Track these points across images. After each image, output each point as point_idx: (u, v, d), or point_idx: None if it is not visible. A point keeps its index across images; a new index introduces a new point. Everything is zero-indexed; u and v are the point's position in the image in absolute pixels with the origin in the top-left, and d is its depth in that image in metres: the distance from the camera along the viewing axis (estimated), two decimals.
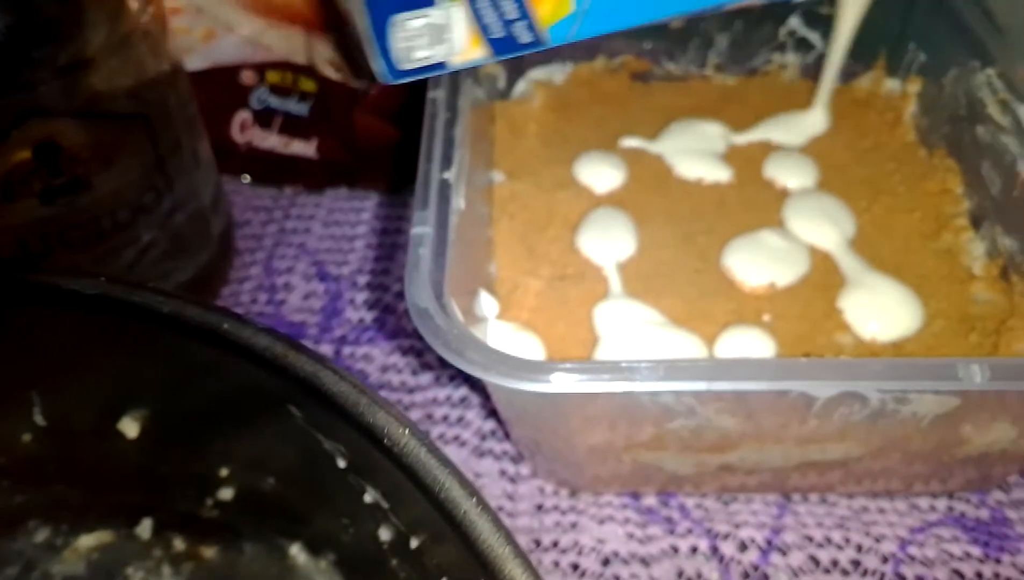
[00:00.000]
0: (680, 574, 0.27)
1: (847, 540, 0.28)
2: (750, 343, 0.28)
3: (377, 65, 0.26)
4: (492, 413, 0.32)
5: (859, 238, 0.31)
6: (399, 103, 0.37)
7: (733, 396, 0.24)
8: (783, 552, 0.28)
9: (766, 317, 0.29)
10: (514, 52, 0.26)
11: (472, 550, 0.18)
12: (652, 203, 0.33)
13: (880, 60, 0.37)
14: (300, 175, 0.40)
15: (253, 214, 0.39)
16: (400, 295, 0.36)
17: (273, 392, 0.20)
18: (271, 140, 0.39)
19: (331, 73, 0.37)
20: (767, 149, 0.35)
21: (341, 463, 0.21)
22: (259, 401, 0.22)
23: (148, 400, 0.24)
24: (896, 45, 0.37)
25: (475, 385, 0.33)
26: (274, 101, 0.38)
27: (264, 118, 0.39)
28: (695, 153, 0.34)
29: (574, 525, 0.29)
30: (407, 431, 0.18)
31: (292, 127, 0.39)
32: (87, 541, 0.27)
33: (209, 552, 0.27)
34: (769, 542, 0.28)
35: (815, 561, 0.28)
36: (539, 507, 0.29)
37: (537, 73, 0.38)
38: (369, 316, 0.35)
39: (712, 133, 0.35)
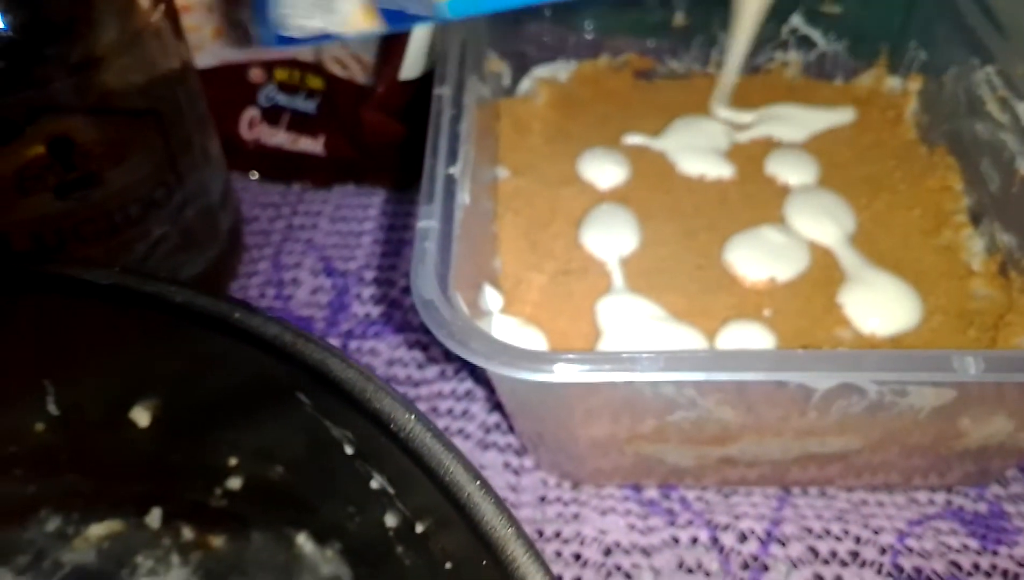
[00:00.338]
0: (681, 564, 0.28)
1: (846, 532, 0.29)
2: (751, 337, 0.28)
3: (258, 28, 0.26)
4: (496, 407, 0.32)
5: (859, 234, 0.32)
6: (406, 100, 0.37)
7: (733, 388, 0.24)
8: (782, 543, 0.28)
9: (766, 312, 0.29)
10: (408, 23, 0.26)
11: (476, 532, 0.18)
12: (655, 199, 0.33)
13: (881, 58, 0.38)
14: (307, 172, 0.40)
15: (261, 210, 0.39)
16: (406, 290, 0.36)
17: (282, 380, 0.21)
18: (279, 137, 0.39)
19: (338, 71, 0.38)
20: (769, 146, 0.35)
21: (348, 450, 0.21)
22: (268, 389, 0.22)
23: (159, 389, 0.24)
24: (897, 43, 0.37)
25: (480, 379, 0.33)
26: (282, 98, 0.39)
27: (272, 115, 0.39)
28: (698, 150, 0.35)
29: (576, 516, 0.29)
30: (413, 417, 0.19)
31: (300, 124, 0.39)
32: (97, 530, 0.28)
33: (217, 541, 0.28)
34: (769, 533, 0.29)
35: (814, 552, 0.28)
36: (542, 499, 0.30)
37: (542, 71, 0.38)
38: (375, 311, 0.36)
39: (714, 130, 0.35)
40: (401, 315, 0.35)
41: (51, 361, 0.24)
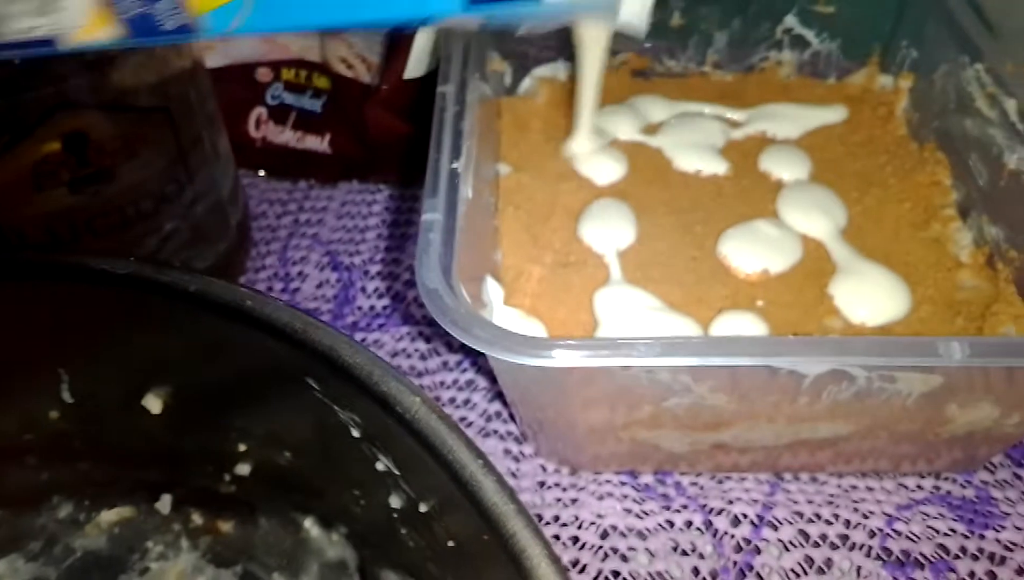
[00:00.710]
0: (676, 547, 0.29)
1: (836, 516, 0.29)
2: (744, 327, 0.29)
3: None
4: (496, 397, 0.33)
5: (850, 228, 0.32)
6: (410, 99, 0.38)
7: (726, 374, 0.25)
8: (774, 527, 0.29)
9: (760, 302, 0.30)
10: (159, 38, 0.21)
11: (478, 509, 0.19)
12: (651, 194, 0.34)
13: (873, 57, 0.38)
14: (313, 169, 0.41)
15: (268, 207, 0.40)
16: (409, 284, 0.37)
17: (292, 365, 0.22)
18: (285, 135, 0.40)
19: (344, 70, 0.39)
20: (763, 143, 0.36)
21: (355, 433, 0.22)
22: (278, 375, 0.23)
23: (172, 377, 0.25)
24: (889, 43, 0.38)
25: (481, 370, 0.34)
26: (288, 97, 0.40)
27: (279, 114, 0.40)
28: (693, 146, 0.35)
29: (575, 501, 0.30)
30: (419, 399, 0.20)
31: (306, 123, 0.40)
32: (109, 516, 0.28)
33: (226, 526, 0.28)
34: (761, 517, 0.29)
35: (805, 535, 0.29)
36: (541, 484, 0.30)
37: (542, 71, 0.39)
38: (380, 304, 0.36)
39: (710, 127, 0.36)
40: (404, 308, 0.36)
41: (66, 350, 0.25)
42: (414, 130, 0.39)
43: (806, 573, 0.28)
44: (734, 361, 0.23)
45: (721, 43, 0.39)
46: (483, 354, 0.34)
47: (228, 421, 0.26)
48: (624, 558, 0.28)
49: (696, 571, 0.28)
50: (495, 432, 0.32)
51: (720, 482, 0.30)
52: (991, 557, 0.29)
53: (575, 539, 0.29)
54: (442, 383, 0.34)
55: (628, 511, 0.29)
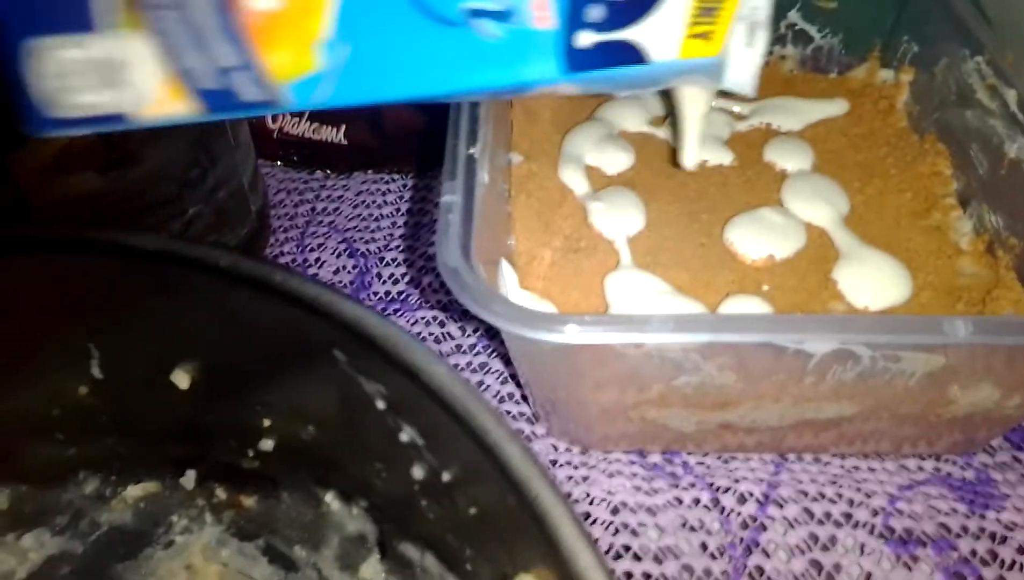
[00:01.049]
0: (684, 523, 0.29)
1: (839, 495, 0.30)
2: (750, 310, 0.30)
3: (22, 108, 0.19)
4: (509, 379, 0.34)
5: (852, 216, 0.33)
6: None
7: (734, 353, 0.26)
8: (779, 505, 0.30)
9: (765, 287, 0.31)
10: (238, 111, 0.20)
11: (503, 473, 0.19)
12: (659, 183, 0.35)
13: (875, 52, 0.39)
14: (329, 159, 0.42)
15: (286, 195, 0.41)
16: (424, 270, 0.38)
17: (319, 338, 0.22)
18: (301, 126, 0.41)
19: None
20: (767, 135, 0.37)
21: (380, 404, 0.23)
22: (305, 348, 0.23)
23: (201, 352, 0.25)
24: (890, 38, 0.39)
25: (494, 353, 0.35)
26: None
27: None
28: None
29: (586, 479, 0.31)
30: (444, 368, 0.20)
31: (321, 114, 0.41)
32: (134, 491, 0.29)
33: (249, 501, 0.29)
34: (766, 496, 0.30)
35: (809, 513, 0.30)
36: (553, 463, 0.31)
37: None
38: (395, 289, 0.37)
39: (716, 120, 0.37)
40: (419, 293, 0.37)
41: (97, 325, 0.25)
42: (427, 121, 0.40)
43: (811, 549, 0.29)
44: (744, 337, 0.24)
45: None
46: (496, 337, 0.35)
47: (254, 396, 0.26)
48: (634, 533, 0.29)
49: (704, 546, 0.29)
50: (508, 413, 0.33)
51: (726, 462, 0.31)
52: (992, 536, 0.30)
53: (587, 515, 0.30)
54: (456, 366, 0.35)
55: (638, 489, 0.30)
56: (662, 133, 0.37)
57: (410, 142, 0.41)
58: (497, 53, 0.20)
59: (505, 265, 0.30)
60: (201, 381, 0.26)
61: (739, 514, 0.30)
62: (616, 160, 0.36)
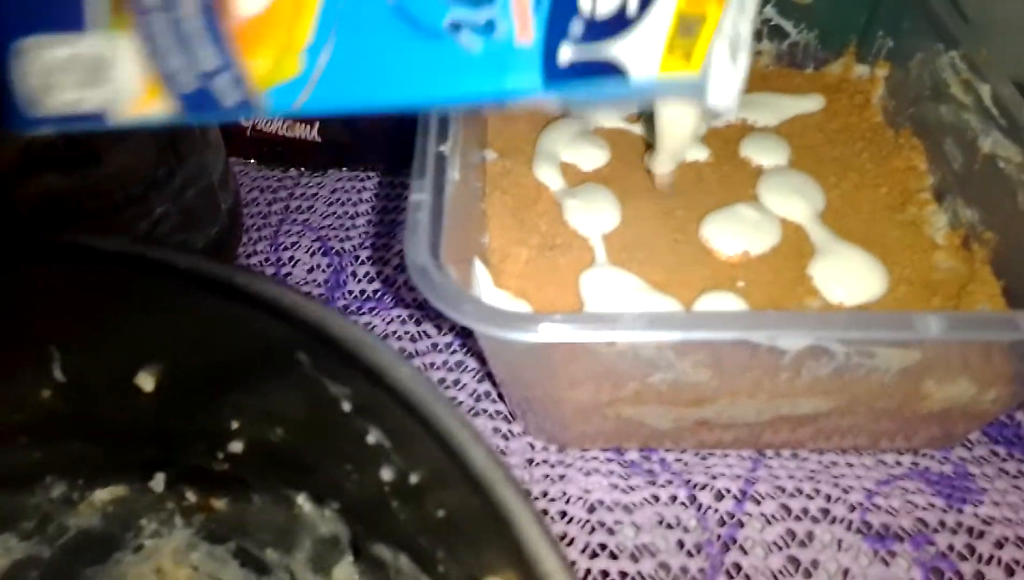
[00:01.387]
0: (660, 521, 0.29)
1: (817, 491, 0.30)
2: (725, 307, 0.30)
3: (3, 106, 0.19)
4: (485, 377, 0.34)
5: (828, 211, 0.33)
6: None
7: (708, 350, 0.26)
8: (757, 501, 0.30)
9: (740, 283, 0.31)
10: (216, 113, 0.20)
11: (467, 476, 0.19)
12: (634, 180, 0.35)
13: (850, 47, 0.39)
14: (303, 157, 0.41)
15: (259, 193, 0.41)
16: (399, 268, 0.37)
17: (283, 341, 0.22)
18: (275, 124, 0.41)
19: None
20: (743, 130, 0.37)
21: (346, 406, 0.23)
22: (269, 351, 0.23)
23: (164, 355, 0.25)
24: (865, 33, 0.39)
25: (470, 351, 0.35)
26: None
27: None
28: None
29: (562, 477, 0.30)
30: (408, 369, 0.20)
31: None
32: (102, 495, 0.28)
33: (219, 503, 0.28)
34: (744, 492, 0.30)
35: (787, 510, 0.30)
36: (530, 461, 0.31)
37: None
38: (370, 288, 0.37)
39: None
40: (395, 291, 0.37)
41: (58, 328, 0.25)
42: (402, 118, 0.39)
43: (788, 546, 0.29)
44: (716, 335, 0.24)
45: None
46: (471, 336, 0.35)
47: (220, 398, 0.26)
48: (611, 531, 0.29)
49: (681, 544, 0.29)
50: (484, 411, 0.33)
51: (703, 458, 0.31)
52: (970, 531, 0.30)
53: (563, 513, 0.29)
54: (432, 364, 0.34)
55: (614, 486, 0.30)
56: (637, 129, 0.37)
57: (385, 139, 0.40)
58: (479, 65, 0.20)
59: (478, 264, 0.30)
60: (167, 384, 0.26)
61: (716, 511, 0.30)
62: (591, 156, 0.35)
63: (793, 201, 0.33)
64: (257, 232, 0.39)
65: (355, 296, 0.37)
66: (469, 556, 0.22)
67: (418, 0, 0.19)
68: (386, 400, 0.21)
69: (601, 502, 0.30)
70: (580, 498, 0.30)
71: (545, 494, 0.30)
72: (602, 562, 0.28)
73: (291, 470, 0.27)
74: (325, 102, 0.20)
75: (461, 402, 0.33)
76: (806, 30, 0.39)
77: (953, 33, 0.34)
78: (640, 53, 0.21)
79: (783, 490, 0.30)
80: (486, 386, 0.33)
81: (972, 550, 0.29)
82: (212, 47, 0.18)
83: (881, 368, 0.26)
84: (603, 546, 0.29)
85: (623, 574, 0.28)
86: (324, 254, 0.38)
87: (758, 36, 0.40)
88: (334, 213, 0.40)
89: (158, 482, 0.28)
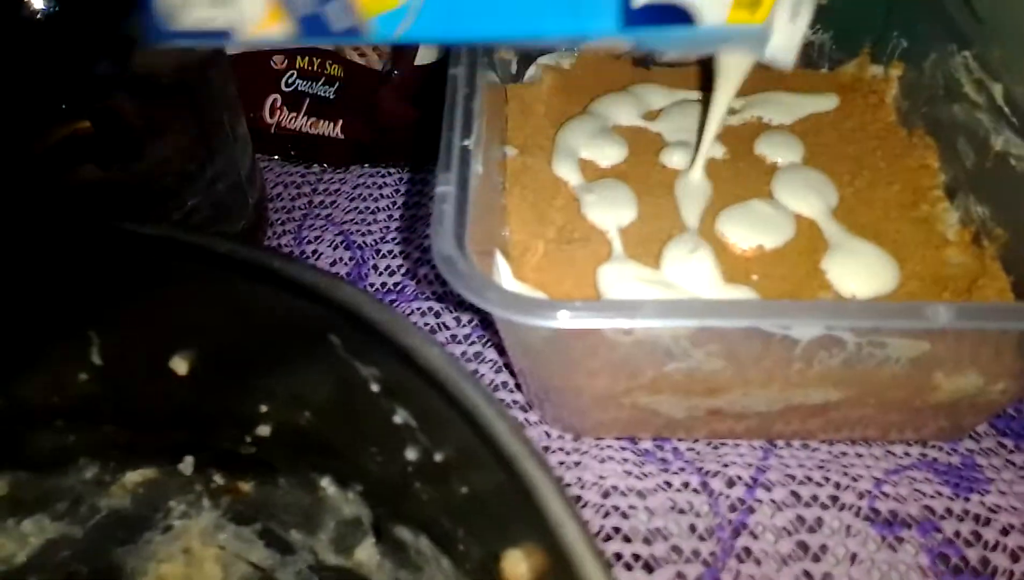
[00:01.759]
0: (673, 506, 0.30)
1: (826, 479, 0.31)
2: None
3: (142, 19, 0.22)
4: (503, 368, 0.35)
5: (841, 207, 0.34)
6: (420, 86, 0.39)
7: (723, 339, 0.26)
8: (767, 488, 0.31)
9: (755, 277, 0.31)
10: (327, 37, 0.22)
11: (493, 449, 0.20)
12: (651, 176, 0.35)
13: (865, 48, 0.40)
14: (326, 154, 0.43)
15: (283, 189, 0.42)
16: (419, 261, 0.38)
17: (316, 323, 0.23)
18: (299, 121, 0.42)
19: (356, 58, 0.40)
20: (759, 129, 0.37)
21: (374, 387, 0.23)
22: (302, 334, 0.24)
23: (199, 339, 0.26)
24: (880, 35, 0.40)
25: (488, 342, 0.36)
26: (302, 84, 0.41)
27: (293, 101, 0.42)
28: (691, 132, 0.37)
29: (578, 464, 0.31)
30: (437, 350, 0.21)
31: (319, 109, 0.41)
32: (133, 477, 0.29)
33: (246, 486, 0.29)
34: (755, 479, 0.31)
35: (797, 496, 0.30)
36: (546, 449, 0.32)
37: (546, 59, 0.40)
38: (391, 281, 0.38)
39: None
40: (415, 284, 0.38)
41: (98, 312, 0.26)
42: (424, 115, 0.40)
43: (798, 531, 0.30)
44: (731, 322, 0.24)
45: None
46: (490, 328, 0.35)
47: (251, 382, 0.27)
48: (624, 515, 0.30)
49: (693, 528, 0.30)
50: (501, 401, 0.33)
51: (716, 447, 0.32)
52: (976, 518, 0.30)
53: (578, 498, 0.30)
54: (450, 355, 0.35)
55: (628, 473, 0.31)
56: (654, 127, 0.37)
57: (405, 136, 0.41)
58: (562, 5, 0.22)
59: (499, 256, 0.31)
60: (199, 368, 0.26)
61: (727, 497, 0.30)
62: (609, 153, 0.36)
63: (807, 197, 0.34)
64: (281, 226, 0.40)
65: (376, 289, 0.38)
66: (491, 532, 0.22)
67: None
68: (415, 380, 0.21)
69: (615, 488, 0.30)
70: (595, 484, 0.31)
71: (560, 479, 0.31)
72: (615, 545, 0.29)
73: (316, 453, 0.27)
74: (422, 32, 0.22)
75: None
76: (822, 31, 0.40)
77: (966, 34, 0.34)
78: (710, 2, 0.22)
79: (793, 478, 0.31)
80: (504, 377, 0.34)
81: (978, 537, 0.30)
82: None
83: (891, 359, 0.27)
84: (617, 529, 0.30)
85: (636, 556, 0.29)
86: (346, 248, 0.39)
87: None
88: (356, 208, 0.41)
89: (187, 465, 0.29)
